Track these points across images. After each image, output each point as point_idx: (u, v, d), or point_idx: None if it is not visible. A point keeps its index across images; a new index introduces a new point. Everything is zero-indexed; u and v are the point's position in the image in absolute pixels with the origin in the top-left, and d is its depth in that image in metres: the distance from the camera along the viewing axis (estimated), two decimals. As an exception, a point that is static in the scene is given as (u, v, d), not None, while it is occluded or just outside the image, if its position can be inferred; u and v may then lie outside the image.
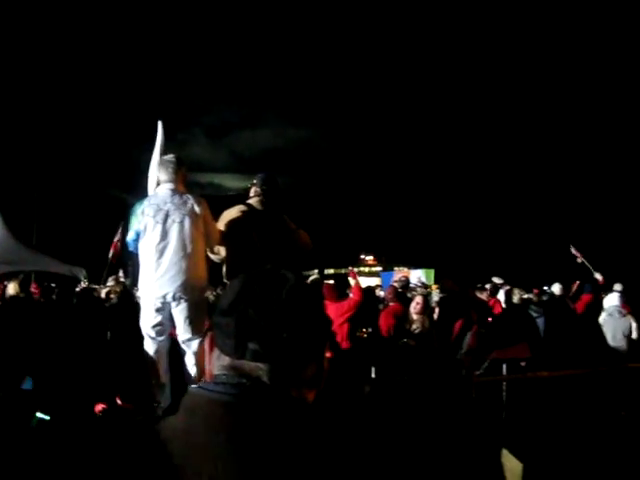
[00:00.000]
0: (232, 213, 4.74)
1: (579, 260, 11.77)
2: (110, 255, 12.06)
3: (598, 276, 10.45)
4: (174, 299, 4.22)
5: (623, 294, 8.55)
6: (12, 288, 8.87)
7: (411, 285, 10.95)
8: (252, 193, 4.91)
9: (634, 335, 7.57)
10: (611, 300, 7.85)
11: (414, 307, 6.79)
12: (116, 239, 12.65)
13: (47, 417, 3.71)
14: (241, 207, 4.76)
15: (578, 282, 10.66)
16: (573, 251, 12.06)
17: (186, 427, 1.03)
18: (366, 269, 41.74)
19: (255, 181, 4.94)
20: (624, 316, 7.58)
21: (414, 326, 6.71)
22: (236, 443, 0.98)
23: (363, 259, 46.72)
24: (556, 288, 9.93)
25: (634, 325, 7.56)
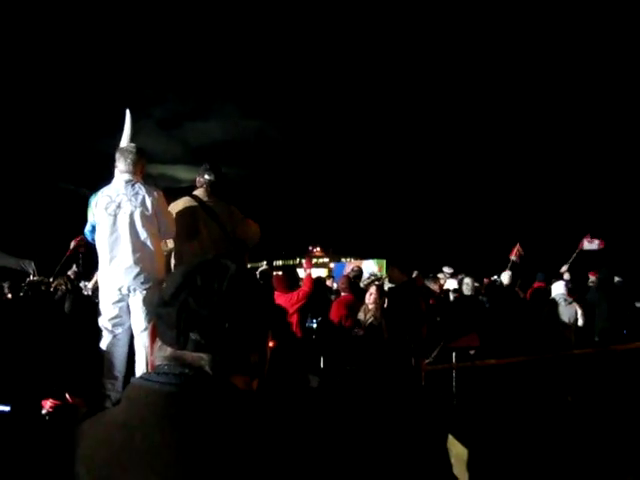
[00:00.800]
0: (178, 205, 4.69)
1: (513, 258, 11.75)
2: (71, 247, 11.66)
3: (564, 267, 10.71)
4: (129, 290, 4.17)
5: (569, 282, 8.74)
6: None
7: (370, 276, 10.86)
8: (198, 184, 4.85)
9: (580, 322, 7.74)
10: (557, 288, 8.00)
11: (369, 297, 6.84)
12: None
13: (7, 408, 3.61)
14: (187, 199, 4.72)
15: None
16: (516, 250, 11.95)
17: (126, 418, 1.02)
18: (314, 260, 42.16)
19: (200, 171, 4.88)
20: (570, 304, 7.74)
21: (368, 315, 6.75)
22: (178, 433, 0.97)
23: (311, 251, 46.97)
24: (505, 277, 10.08)
25: (579, 312, 7.72)
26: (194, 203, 4.67)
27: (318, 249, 46.96)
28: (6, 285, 11.39)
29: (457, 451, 4.58)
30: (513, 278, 10.10)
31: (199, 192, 4.77)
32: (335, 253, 43.41)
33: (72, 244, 11.37)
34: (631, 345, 7.51)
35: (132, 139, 4.76)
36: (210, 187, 4.78)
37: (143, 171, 4.51)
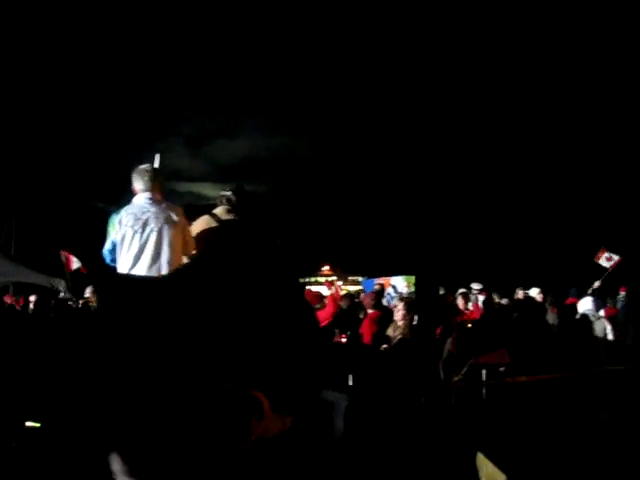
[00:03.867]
0: (197, 223, 4.75)
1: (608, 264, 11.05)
2: (71, 264, 11.59)
3: (597, 283, 10.50)
4: None
5: (597, 298, 8.64)
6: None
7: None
8: (218, 202, 4.93)
9: (610, 337, 7.65)
10: (585, 304, 7.92)
11: (396, 313, 6.85)
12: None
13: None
14: (205, 217, 4.78)
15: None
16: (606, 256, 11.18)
17: None
18: (322, 279, 42.15)
19: (223, 193, 4.97)
20: (598, 319, 7.66)
21: (397, 332, 6.76)
22: None
23: (320, 269, 46.81)
24: (534, 292, 10.00)
25: (608, 328, 7.64)
26: (212, 221, 4.74)
27: (327, 267, 46.75)
28: (32, 299, 11.58)
29: (487, 470, 4.56)
30: (544, 293, 9.99)
31: (218, 210, 4.85)
32: (343, 271, 43.31)
33: (73, 262, 11.34)
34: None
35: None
36: (228, 204, 4.84)
37: (162, 189, 4.60)
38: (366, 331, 7.26)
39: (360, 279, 36.17)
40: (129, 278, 4.01)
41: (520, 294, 9.98)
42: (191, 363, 0.75)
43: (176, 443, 0.74)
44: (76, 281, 11.03)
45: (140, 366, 0.75)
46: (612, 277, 10.67)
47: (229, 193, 4.90)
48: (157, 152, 5.10)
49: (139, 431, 0.74)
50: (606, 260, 10.90)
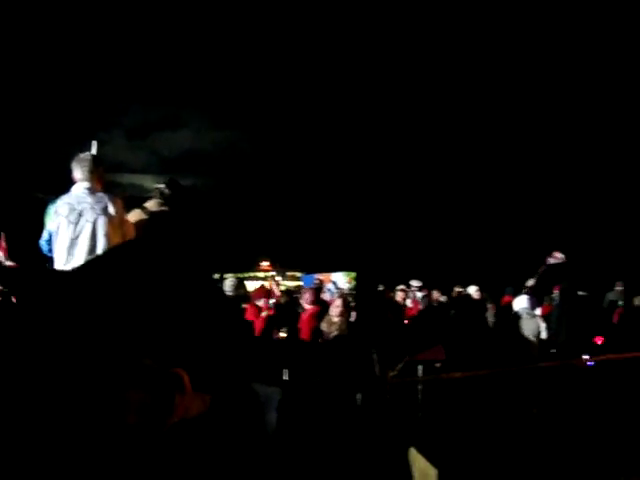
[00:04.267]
0: (129, 217, 4.65)
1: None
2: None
3: (530, 282, 10.74)
4: None
5: (533, 296, 8.83)
6: None
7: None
8: (153, 196, 4.86)
9: (543, 335, 7.84)
10: (520, 302, 8.10)
11: (334, 309, 6.85)
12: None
13: None
14: (137, 211, 4.69)
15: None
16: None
17: None
18: (262, 274, 42.24)
19: (157, 186, 4.90)
20: (532, 317, 7.84)
21: (333, 327, 6.76)
22: None
23: (259, 265, 46.87)
24: (472, 290, 10.16)
25: (542, 325, 7.83)
26: (142, 214, 4.67)
27: (266, 263, 46.76)
28: None
29: (419, 465, 4.59)
30: (481, 291, 10.19)
31: (149, 203, 4.78)
32: (282, 267, 43.40)
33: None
34: (596, 358, 7.60)
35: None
36: (161, 197, 4.78)
37: (102, 179, 4.47)
38: (305, 326, 7.24)
39: (299, 275, 36.38)
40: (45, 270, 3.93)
41: (457, 292, 10.15)
42: (107, 344, 0.76)
43: (101, 422, 0.75)
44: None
45: (58, 350, 0.76)
46: (546, 276, 10.90)
47: (162, 186, 4.84)
48: (99, 142, 4.96)
49: (66, 417, 0.76)
50: (553, 259, 11.13)
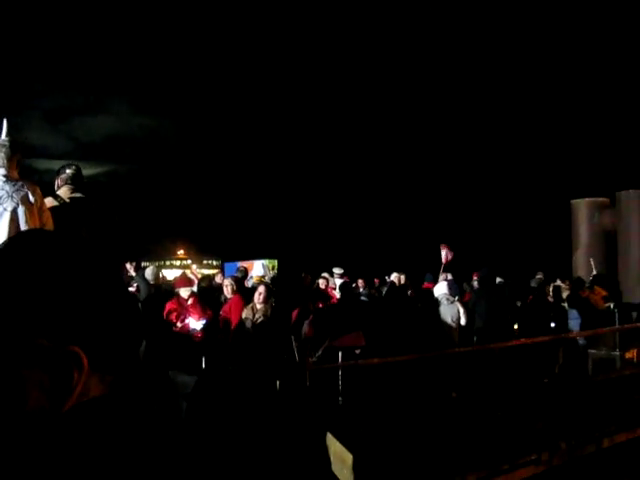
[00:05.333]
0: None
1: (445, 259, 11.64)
2: None
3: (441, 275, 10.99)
4: None
5: (453, 283, 9.04)
6: None
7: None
8: (60, 182, 4.75)
9: (462, 321, 8.01)
10: (440, 288, 8.26)
11: (258, 296, 6.85)
12: None
13: None
14: (49, 199, 4.56)
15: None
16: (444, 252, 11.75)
17: None
18: (177, 262, 42.00)
19: (60, 171, 4.78)
20: (452, 303, 8.00)
21: (258, 315, 6.75)
22: None
23: (175, 253, 46.50)
24: (394, 277, 10.32)
25: (462, 311, 8.00)
26: (55, 201, 4.56)
27: (181, 252, 46.35)
28: None
29: (335, 449, 4.60)
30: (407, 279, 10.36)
31: (61, 190, 4.68)
32: (198, 255, 43.20)
33: None
34: (508, 343, 7.84)
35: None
36: (71, 182, 4.71)
37: (19, 166, 4.29)
38: (234, 315, 7.14)
39: (214, 262, 36.10)
40: None
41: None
42: None
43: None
44: None
45: None
46: (448, 268, 11.23)
47: (69, 171, 4.74)
48: (14, 127, 4.72)
49: None
50: (444, 255, 11.52)
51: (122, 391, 0.82)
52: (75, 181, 4.77)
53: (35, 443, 0.74)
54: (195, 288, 8.24)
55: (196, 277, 9.82)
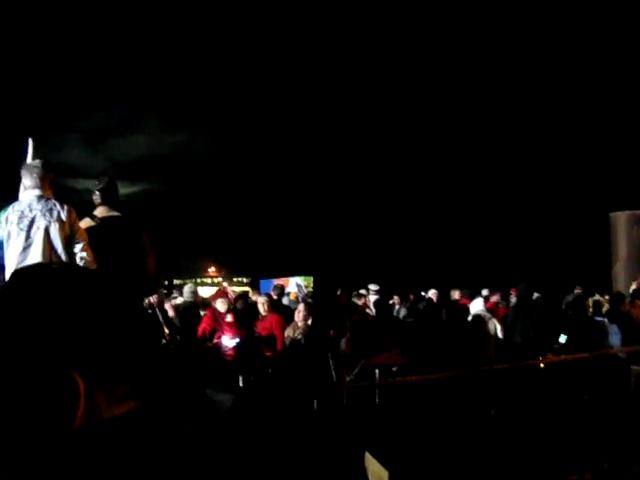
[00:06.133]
0: (81, 224, 4.64)
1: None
2: None
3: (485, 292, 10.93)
4: None
5: (487, 299, 8.97)
6: None
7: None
8: (96, 201, 4.88)
9: (499, 335, 7.94)
10: (476, 305, 8.20)
11: (297, 314, 6.92)
12: None
13: None
14: (86, 220, 4.68)
15: None
16: None
17: None
18: (208, 280, 42.21)
19: (94, 188, 4.91)
20: (488, 319, 7.93)
21: (297, 332, 6.80)
22: None
23: (206, 270, 46.65)
24: (432, 293, 10.27)
25: (498, 327, 7.93)
26: (92, 223, 4.68)
27: (213, 269, 46.49)
28: None
29: (373, 468, 4.60)
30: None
31: (98, 210, 4.80)
32: (229, 272, 43.30)
33: None
34: (547, 360, 7.74)
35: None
36: (106, 200, 4.82)
37: (52, 185, 4.41)
38: (278, 334, 7.18)
39: (245, 280, 36.23)
40: None
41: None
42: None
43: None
44: None
45: None
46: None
47: (102, 187, 4.86)
48: (54, 148, 4.90)
49: None
50: None
51: (146, 410, 0.86)
52: (109, 198, 4.87)
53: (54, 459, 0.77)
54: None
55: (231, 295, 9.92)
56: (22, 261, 4.05)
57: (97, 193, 4.87)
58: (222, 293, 8.31)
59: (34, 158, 4.67)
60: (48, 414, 0.77)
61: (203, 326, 7.22)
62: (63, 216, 4.17)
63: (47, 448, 0.77)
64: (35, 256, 4.04)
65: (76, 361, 0.78)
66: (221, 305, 7.40)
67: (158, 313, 7.63)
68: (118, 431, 0.82)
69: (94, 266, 4.57)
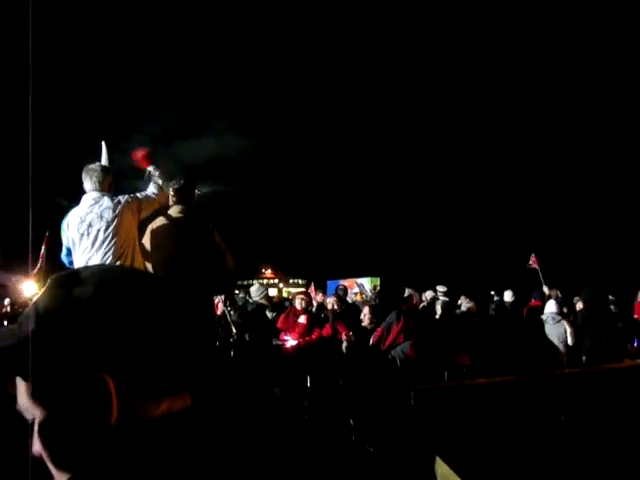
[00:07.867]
0: (154, 223, 4.74)
1: (533, 266, 11.67)
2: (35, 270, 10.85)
3: (545, 289, 10.68)
4: None
5: (561, 301, 8.77)
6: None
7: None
8: (171, 201, 4.95)
9: (569, 341, 7.76)
10: (549, 307, 8.04)
11: (363, 317, 6.96)
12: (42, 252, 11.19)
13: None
14: (160, 218, 4.77)
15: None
16: (532, 260, 11.81)
17: None
18: (264, 281, 42.36)
19: (171, 188, 4.98)
20: (558, 322, 7.76)
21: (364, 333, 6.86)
22: None
23: (262, 272, 46.52)
24: (507, 295, 10.11)
25: (569, 330, 7.74)
26: (165, 221, 4.76)
27: (269, 271, 46.47)
28: (6, 302, 11.92)
29: (443, 472, 4.59)
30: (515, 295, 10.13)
31: (172, 209, 4.89)
32: (285, 274, 43.27)
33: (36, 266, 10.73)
34: (619, 364, 7.51)
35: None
36: (180, 200, 4.89)
37: (112, 187, 4.50)
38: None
39: (300, 282, 36.34)
40: None
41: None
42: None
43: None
44: None
45: None
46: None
47: (177, 187, 4.94)
48: (122, 153, 5.05)
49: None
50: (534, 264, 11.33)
51: (200, 407, 0.92)
52: (184, 198, 4.96)
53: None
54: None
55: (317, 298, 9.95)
56: (87, 264, 4.10)
57: (172, 192, 4.96)
58: (305, 292, 8.38)
59: (109, 161, 4.79)
60: (87, 412, 0.84)
61: (278, 324, 7.34)
62: (118, 210, 4.26)
63: (92, 442, 0.84)
64: (98, 258, 4.14)
65: (110, 364, 0.85)
66: (298, 303, 7.48)
67: (227, 312, 7.81)
68: (167, 428, 0.87)
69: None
